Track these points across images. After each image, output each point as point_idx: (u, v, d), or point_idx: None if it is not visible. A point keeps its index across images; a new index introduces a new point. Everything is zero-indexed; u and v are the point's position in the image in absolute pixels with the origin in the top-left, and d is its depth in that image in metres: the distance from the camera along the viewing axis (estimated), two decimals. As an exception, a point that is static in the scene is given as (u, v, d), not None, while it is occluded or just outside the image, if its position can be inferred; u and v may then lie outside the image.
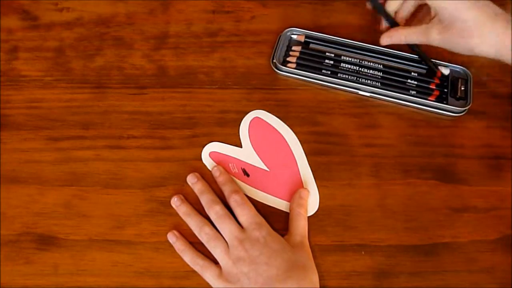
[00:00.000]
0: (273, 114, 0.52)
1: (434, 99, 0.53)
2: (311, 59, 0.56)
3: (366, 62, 0.55)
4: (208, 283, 0.43)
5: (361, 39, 0.57)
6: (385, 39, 0.49)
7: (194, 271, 0.44)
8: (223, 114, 0.53)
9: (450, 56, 0.55)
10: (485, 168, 0.49)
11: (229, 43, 0.58)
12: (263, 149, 0.49)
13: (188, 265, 0.44)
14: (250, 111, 0.53)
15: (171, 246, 0.45)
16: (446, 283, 0.44)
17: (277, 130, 0.51)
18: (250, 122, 0.52)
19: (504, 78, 0.56)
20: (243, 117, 0.52)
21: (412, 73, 0.55)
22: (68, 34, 0.59)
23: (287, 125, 0.52)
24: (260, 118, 0.52)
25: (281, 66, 0.55)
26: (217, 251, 0.43)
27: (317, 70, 0.55)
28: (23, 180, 0.49)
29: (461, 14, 0.44)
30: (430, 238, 0.46)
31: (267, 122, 0.52)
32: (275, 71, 0.55)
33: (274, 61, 0.55)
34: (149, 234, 0.46)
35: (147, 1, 0.62)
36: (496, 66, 0.56)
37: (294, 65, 0.55)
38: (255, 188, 0.48)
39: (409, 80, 0.54)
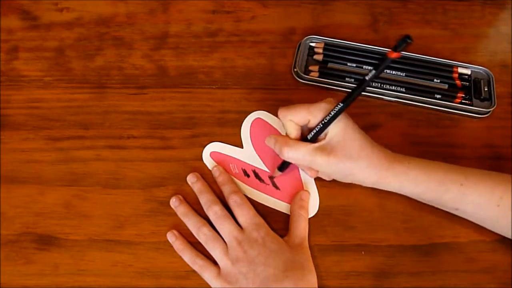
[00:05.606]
0: (272, 114, 0.52)
1: (459, 102, 0.52)
2: (333, 67, 0.55)
3: (389, 70, 0.55)
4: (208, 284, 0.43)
5: (361, 40, 0.57)
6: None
7: (194, 271, 0.44)
8: (223, 114, 0.53)
9: (469, 58, 0.56)
10: (485, 168, 0.49)
11: (229, 43, 0.58)
12: (264, 150, 0.49)
13: (188, 265, 0.44)
14: (250, 111, 0.53)
15: (171, 246, 0.45)
16: (445, 283, 0.44)
17: (278, 132, 0.51)
18: (251, 123, 0.52)
19: (504, 78, 0.56)
20: (243, 117, 0.52)
21: (435, 79, 0.54)
22: (68, 34, 0.59)
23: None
24: (262, 119, 0.52)
25: (304, 75, 0.54)
26: (215, 252, 0.43)
27: (341, 78, 0.54)
28: (23, 180, 0.49)
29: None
30: (429, 238, 0.46)
31: (268, 123, 0.52)
32: (297, 80, 0.55)
33: (296, 69, 0.55)
34: (149, 234, 0.46)
35: (147, 1, 0.62)
36: (496, 66, 0.56)
37: (317, 74, 0.55)
38: (255, 189, 0.48)
39: (433, 84, 0.54)
